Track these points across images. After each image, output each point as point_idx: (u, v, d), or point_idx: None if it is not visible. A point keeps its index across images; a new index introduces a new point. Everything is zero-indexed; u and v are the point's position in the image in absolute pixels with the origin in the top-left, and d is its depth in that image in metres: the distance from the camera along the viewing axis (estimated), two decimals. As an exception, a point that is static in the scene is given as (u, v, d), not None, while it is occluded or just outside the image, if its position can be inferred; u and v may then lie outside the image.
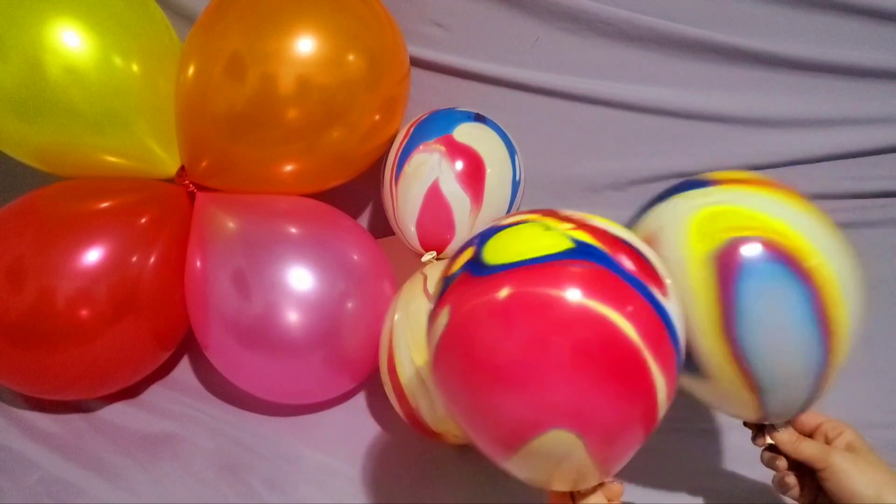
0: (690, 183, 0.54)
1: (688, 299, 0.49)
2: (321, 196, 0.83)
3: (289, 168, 0.78)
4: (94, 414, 0.81)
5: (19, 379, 0.77)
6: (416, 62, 0.86)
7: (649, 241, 0.50)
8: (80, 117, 0.73)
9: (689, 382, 0.54)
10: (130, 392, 0.83)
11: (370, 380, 0.82)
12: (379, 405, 0.82)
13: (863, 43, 0.83)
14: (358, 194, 0.95)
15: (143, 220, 0.76)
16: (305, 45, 0.71)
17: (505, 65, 0.87)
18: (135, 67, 0.74)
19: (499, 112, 0.83)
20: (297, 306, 0.72)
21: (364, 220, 0.98)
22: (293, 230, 0.77)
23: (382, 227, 0.93)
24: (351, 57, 0.73)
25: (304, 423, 0.80)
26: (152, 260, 0.75)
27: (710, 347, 0.50)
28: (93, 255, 0.72)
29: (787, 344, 0.49)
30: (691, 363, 0.52)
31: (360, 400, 0.84)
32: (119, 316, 0.73)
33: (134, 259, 0.74)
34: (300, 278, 0.73)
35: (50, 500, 0.70)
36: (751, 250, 0.48)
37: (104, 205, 0.76)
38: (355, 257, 0.78)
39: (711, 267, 0.49)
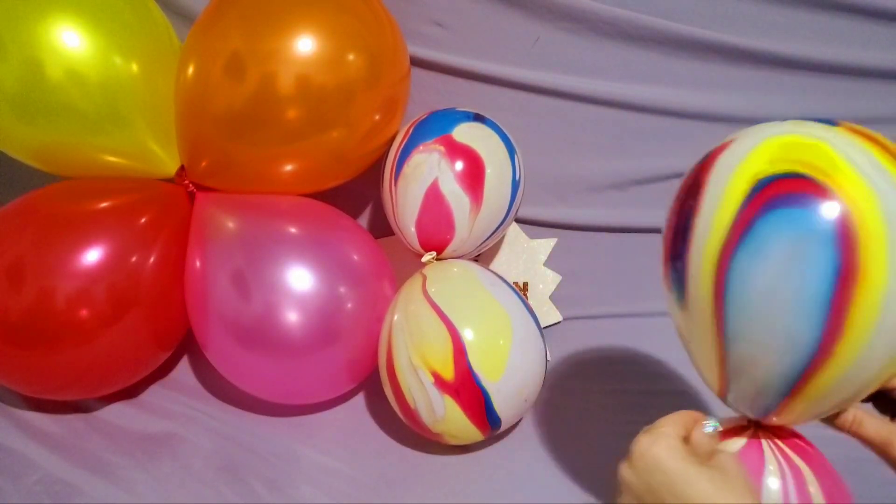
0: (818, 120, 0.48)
1: (712, 210, 0.45)
2: (321, 196, 0.83)
3: (288, 168, 0.78)
4: (94, 414, 0.81)
5: (19, 379, 0.77)
6: (417, 62, 0.86)
7: (724, 146, 0.48)
8: (79, 117, 0.73)
9: (674, 307, 0.50)
10: (130, 392, 0.83)
11: (370, 380, 0.82)
12: (379, 405, 0.82)
13: (863, 43, 0.83)
14: (358, 194, 0.95)
15: (143, 220, 0.76)
16: (305, 45, 0.71)
17: (505, 65, 0.87)
18: (134, 67, 0.74)
19: (499, 112, 0.83)
20: (296, 306, 0.72)
21: (364, 220, 0.98)
22: (293, 230, 0.77)
23: (382, 227, 0.93)
24: (351, 56, 0.73)
25: (304, 423, 0.80)
26: (152, 260, 0.75)
27: (702, 268, 0.45)
28: (92, 255, 0.72)
29: (779, 302, 0.42)
30: (681, 284, 0.48)
31: (359, 400, 0.84)
32: (119, 316, 0.73)
33: (133, 259, 0.74)
34: (300, 278, 0.73)
35: (50, 500, 0.70)
36: (792, 188, 0.42)
37: (104, 205, 0.76)
38: (355, 257, 0.78)
39: (749, 188, 0.43)
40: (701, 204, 0.47)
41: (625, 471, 0.45)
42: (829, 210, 0.41)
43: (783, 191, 0.42)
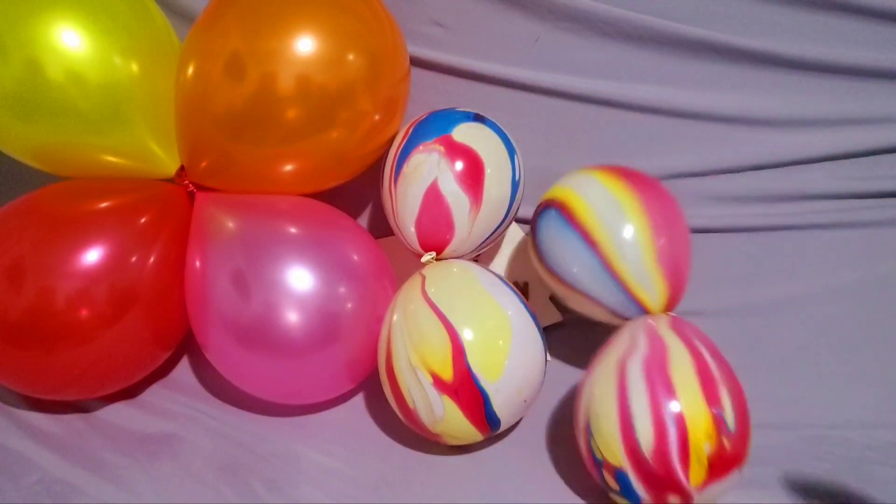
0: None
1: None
2: (321, 196, 0.83)
3: (288, 168, 0.78)
4: (94, 414, 0.81)
5: (19, 379, 0.77)
6: (416, 62, 0.86)
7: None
8: (79, 117, 0.73)
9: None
10: (130, 392, 0.83)
11: (370, 380, 0.82)
12: (379, 405, 0.82)
13: (863, 43, 0.83)
14: (358, 194, 0.95)
15: (143, 220, 0.76)
16: (305, 45, 0.71)
17: (505, 65, 0.87)
18: (134, 67, 0.74)
19: (499, 112, 0.83)
20: (296, 306, 0.72)
21: (364, 220, 0.98)
22: (293, 230, 0.77)
23: (382, 227, 0.93)
24: (351, 57, 0.73)
25: (304, 423, 0.80)
26: (152, 260, 0.75)
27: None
28: (92, 255, 0.72)
29: (567, 253, 0.73)
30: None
31: (359, 400, 0.84)
32: (118, 316, 0.73)
33: (133, 259, 0.74)
34: (299, 278, 0.73)
35: (50, 500, 0.70)
36: (546, 206, 0.77)
37: (104, 205, 0.76)
38: (355, 257, 0.78)
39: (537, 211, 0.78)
40: None
41: None
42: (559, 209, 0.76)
43: (541, 209, 0.79)
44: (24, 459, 0.75)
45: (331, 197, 0.83)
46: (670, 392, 0.60)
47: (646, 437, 0.60)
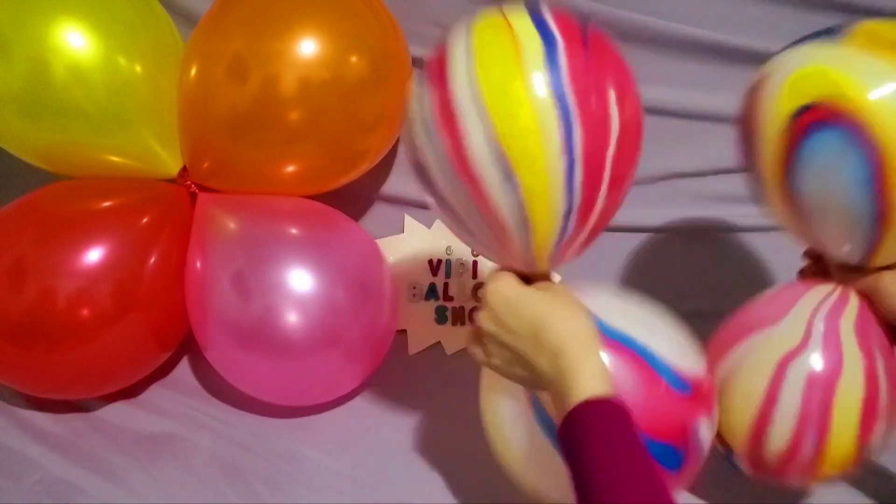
0: (828, 30, 0.58)
1: (762, 149, 0.56)
2: (322, 197, 0.83)
3: (290, 169, 0.78)
4: (94, 414, 0.81)
5: (20, 378, 0.77)
6: (417, 62, 0.87)
7: (760, 82, 0.57)
8: (83, 117, 0.73)
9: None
10: (130, 392, 0.83)
11: (370, 380, 0.82)
12: (379, 405, 0.82)
13: (863, 43, 0.83)
14: (358, 195, 0.95)
15: (145, 221, 0.76)
16: (308, 47, 0.71)
17: (505, 65, 0.87)
18: (138, 68, 0.74)
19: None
20: (296, 307, 0.72)
21: (364, 221, 0.98)
22: (293, 231, 0.77)
23: (382, 228, 0.93)
24: (353, 58, 0.74)
25: (304, 424, 0.80)
26: (153, 260, 0.75)
27: (771, 195, 0.58)
28: (94, 255, 0.72)
29: (838, 198, 0.53)
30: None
31: (360, 400, 0.84)
32: (119, 315, 0.74)
33: (134, 259, 0.74)
34: (300, 279, 0.73)
35: (50, 500, 0.70)
36: (817, 117, 0.52)
37: (105, 204, 0.76)
38: (355, 259, 0.78)
39: (787, 126, 0.54)
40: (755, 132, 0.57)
41: (482, 321, 0.51)
42: (844, 122, 0.51)
43: (815, 118, 0.52)
44: (25, 459, 0.75)
45: (331, 198, 0.83)
46: (824, 420, 0.55)
47: (777, 446, 0.56)
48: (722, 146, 0.88)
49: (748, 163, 0.61)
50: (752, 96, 0.58)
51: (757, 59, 0.85)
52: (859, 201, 0.51)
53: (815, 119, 0.52)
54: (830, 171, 0.52)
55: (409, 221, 0.93)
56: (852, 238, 0.54)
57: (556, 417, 0.46)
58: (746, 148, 0.60)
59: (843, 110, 0.50)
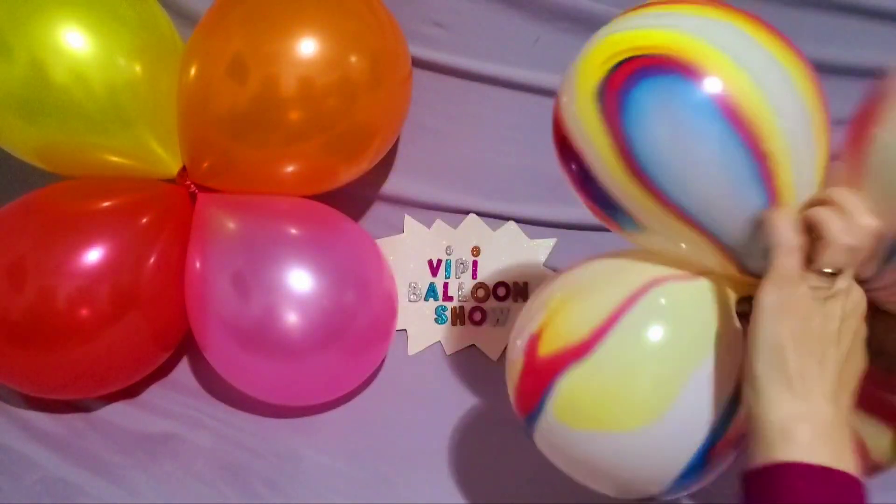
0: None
1: (588, 144, 0.44)
2: (322, 197, 0.83)
3: (290, 169, 0.78)
4: (94, 414, 0.81)
5: (19, 378, 0.77)
6: (417, 62, 0.87)
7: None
8: (82, 117, 0.73)
9: (642, 239, 0.48)
10: (130, 392, 0.83)
11: (370, 380, 0.82)
12: (379, 405, 0.82)
13: (863, 43, 0.83)
14: (358, 196, 0.95)
15: (144, 221, 0.76)
16: (307, 47, 0.71)
17: (505, 65, 0.87)
18: (138, 68, 0.74)
19: (499, 112, 0.83)
20: (296, 308, 0.72)
21: (364, 221, 0.98)
22: (293, 231, 0.77)
23: (382, 228, 0.93)
24: (353, 58, 0.73)
25: (304, 424, 0.80)
26: (152, 260, 0.75)
27: (626, 191, 0.44)
28: (93, 255, 0.72)
29: (701, 163, 0.41)
30: (623, 216, 0.46)
31: (360, 400, 0.84)
32: (119, 315, 0.73)
33: (134, 259, 0.74)
34: (300, 280, 0.73)
35: (50, 500, 0.70)
36: (628, 72, 0.41)
37: (105, 204, 0.76)
38: (355, 259, 0.78)
39: (595, 102, 0.43)
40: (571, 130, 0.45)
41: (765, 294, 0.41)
42: (667, 67, 0.41)
43: (646, 64, 0.41)
44: (25, 459, 0.75)
45: (331, 198, 0.83)
46: None
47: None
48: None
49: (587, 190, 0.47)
50: (558, 113, 0.49)
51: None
52: (727, 154, 0.41)
53: (634, 69, 0.42)
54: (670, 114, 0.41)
55: (409, 221, 0.94)
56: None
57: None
58: (580, 177, 0.47)
59: (662, 58, 0.41)
